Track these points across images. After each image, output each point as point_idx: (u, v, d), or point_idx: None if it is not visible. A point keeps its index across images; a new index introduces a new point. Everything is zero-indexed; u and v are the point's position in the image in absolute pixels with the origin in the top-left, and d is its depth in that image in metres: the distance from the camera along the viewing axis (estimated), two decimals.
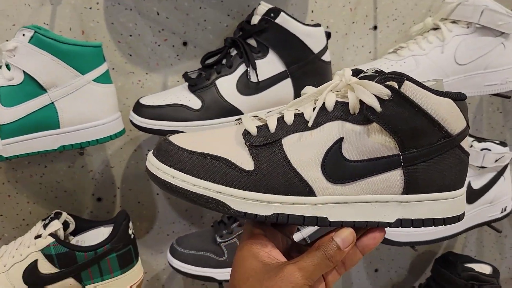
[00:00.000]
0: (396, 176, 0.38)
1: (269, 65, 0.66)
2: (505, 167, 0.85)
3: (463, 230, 0.85)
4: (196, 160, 0.38)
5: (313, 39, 0.67)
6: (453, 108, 0.38)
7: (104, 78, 0.63)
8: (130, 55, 0.74)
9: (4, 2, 0.67)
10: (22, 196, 0.75)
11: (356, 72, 0.41)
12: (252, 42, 0.67)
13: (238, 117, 0.42)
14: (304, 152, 0.38)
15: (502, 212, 0.88)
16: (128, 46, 0.74)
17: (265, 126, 0.39)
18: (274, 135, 0.39)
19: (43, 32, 0.59)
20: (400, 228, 0.40)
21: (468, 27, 0.76)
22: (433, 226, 0.40)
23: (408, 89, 0.37)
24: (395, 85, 0.37)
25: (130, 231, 0.69)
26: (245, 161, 0.38)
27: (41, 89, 0.59)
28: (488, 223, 0.88)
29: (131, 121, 0.67)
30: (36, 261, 0.64)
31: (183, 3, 0.73)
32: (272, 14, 0.65)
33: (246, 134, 0.39)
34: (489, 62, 0.77)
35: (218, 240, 0.74)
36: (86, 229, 0.72)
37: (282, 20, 0.65)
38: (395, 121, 0.37)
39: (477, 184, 0.83)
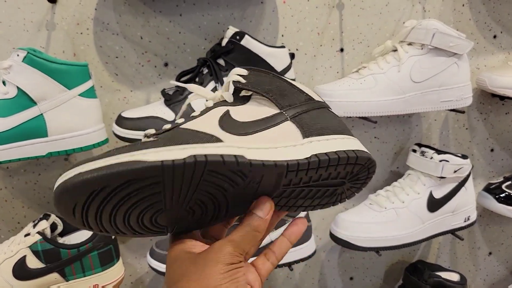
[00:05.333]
0: (289, 126, 0.41)
1: None
2: (466, 178, 0.91)
3: (427, 238, 0.90)
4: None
5: (276, 58, 0.75)
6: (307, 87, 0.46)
7: (89, 93, 0.72)
8: (117, 75, 0.83)
9: (6, 28, 0.76)
10: (18, 201, 0.83)
11: None
12: (221, 61, 0.75)
13: None
14: (201, 125, 0.40)
15: (465, 221, 0.93)
16: (114, 67, 0.82)
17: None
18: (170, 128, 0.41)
19: (35, 53, 0.67)
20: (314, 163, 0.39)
21: (422, 49, 0.83)
22: (346, 156, 0.40)
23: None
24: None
25: None
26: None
27: (32, 102, 0.68)
28: (452, 232, 0.93)
29: (113, 132, 0.75)
30: (24, 256, 0.71)
31: (164, 28, 0.82)
32: (237, 37, 0.74)
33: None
34: (444, 80, 0.84)
35: None
36: (73, 230, 0.79)
37: (246, 42, 0.73)
38: (260, 84, 0.43)
39: (438, 194, 0.89)
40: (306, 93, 0.44)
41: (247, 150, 0.37)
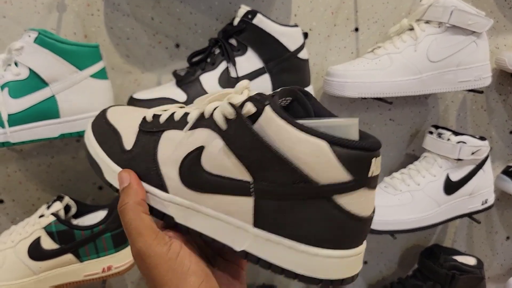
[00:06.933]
0: (247, 204, 0.34)
1: (248, 62, 0.73)
2: (484, 161, 0.89)
3: (443, 221, 0.88)
4: (105, 127, 0.42)
5: (289, 38, 0.74)
6: (322, 153, 0.31)
7: (100, 74, 0.71)
8: (128, 56, 0.82)
9: (17, 10, 0.76)
10: (31, 184, 0.83)
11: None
12: (233, 41, 0.74)
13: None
14: (170, 148, 0.38)
15: (483, 204, 0.91)
16: (125, 48, 0.82)
17: (159, 116, 0.40)
18: (160, 126, 0.39)
19: (46, 34, 0.67)
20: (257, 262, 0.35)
21: (439, 27, 0.81)
22: (283, 275, 0.34)
23: (265, 116, 0.32)
24: (253, 108, 0.33)
25: None
26: (129, 141, 0.40)
27: (44, 83, 0.67)
28: (469, 215, 0.91)
29: None
30: (39, 237, 0.72)
31: (175, 9, 0.81)
32: (249, 16, 0.72)
33: (144, 118, 0.41)
34: (462, 59, 0.82)
35: None
36: (86, 212, 0.79)
37: (259, 21, 0.72)
38: (237, 144, 0.34)
39: (455, 176, 0.87)
40: (305, 174, 0.31)
41: (181, 211, 0.37)
